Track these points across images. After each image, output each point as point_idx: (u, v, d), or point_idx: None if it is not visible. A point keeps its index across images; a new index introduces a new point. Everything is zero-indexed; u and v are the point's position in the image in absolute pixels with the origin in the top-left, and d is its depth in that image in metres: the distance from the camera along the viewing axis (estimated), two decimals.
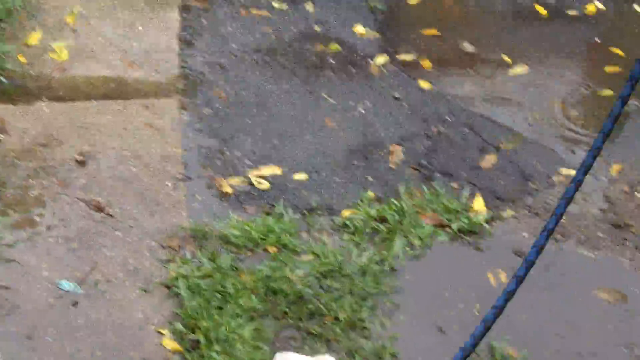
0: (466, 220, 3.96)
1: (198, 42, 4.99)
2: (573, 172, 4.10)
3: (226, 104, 4.55)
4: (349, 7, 5.34)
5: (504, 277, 3.73)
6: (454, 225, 3.95)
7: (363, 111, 4.59)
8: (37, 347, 3.29)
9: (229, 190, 4.04)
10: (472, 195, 4.10)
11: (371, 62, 4.95)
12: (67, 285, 3.52)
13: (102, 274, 3.59)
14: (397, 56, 5.02)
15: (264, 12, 5.26)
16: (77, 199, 3.91)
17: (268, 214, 3.95)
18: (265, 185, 4.10)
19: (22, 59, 4.67)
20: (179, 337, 3.36)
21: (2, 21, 4.88)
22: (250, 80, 4.73)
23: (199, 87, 4.67)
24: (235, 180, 4.09)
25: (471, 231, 3.94)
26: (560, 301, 3.69)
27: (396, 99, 4.68)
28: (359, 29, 5.19)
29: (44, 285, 3.52)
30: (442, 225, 3.96)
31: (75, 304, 3.47)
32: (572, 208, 4.07)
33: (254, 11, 5.27)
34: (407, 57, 5.02)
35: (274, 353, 2.70)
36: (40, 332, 3.35)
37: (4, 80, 4.50)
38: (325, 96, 4.67)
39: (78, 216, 3.83)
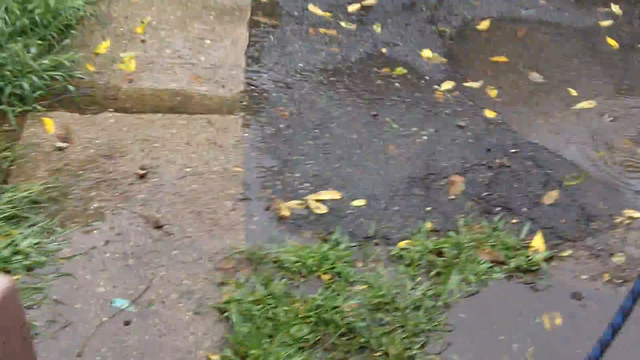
0: (524, 258, 3.91)
1: (265, 59, 5.00)
2: (638, 214, 4.05)
3: (289, 124, 4.55)
4: (416, 30, 5.31)
5: (559, 321, 3.66)
6: (512, 263, 3.89)
7: (426, 138, 4.56)
8: None
9: (286, 213, 4.04)
10: (531, 232, 4.04)
11: (437, 87, 4.91)
12: (120, 303, 3.55)
13: (157, 294, 3.61)
14: (463, 83, 4.97)
15: (332, 32, 5.26)
16: (137, 214, 3.94)
17: (324, 240, 3.94)
18: (323, 209, 4.09)
19: (90, 68, 4.72)
20: None
21: (73, 28, 4.94)
22: (315, 100, 4.73)
23: (263, 105, 4.67)
24: (294, 204, 4.09)
25: (529, 270, 3.88)
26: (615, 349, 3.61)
27: (460, 127, 4.64)
28: (427, 53, 5.15)
29: (98, 302, 3.55)
30: (499, 262, 3.91)
31: (127, 323, 3.49)
32: (633, 251, 4.00)
33: (322, 30, 5.26)
34: (473, 84, 4.98)
35: None
36: (91, 351, 3.37)
37: (72, 88, 4.55)
38: (389, 121, 4.64)
39: (136, 232, 3.86)
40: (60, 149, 4.23)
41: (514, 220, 4.13)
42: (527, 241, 4.01)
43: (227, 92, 4.71)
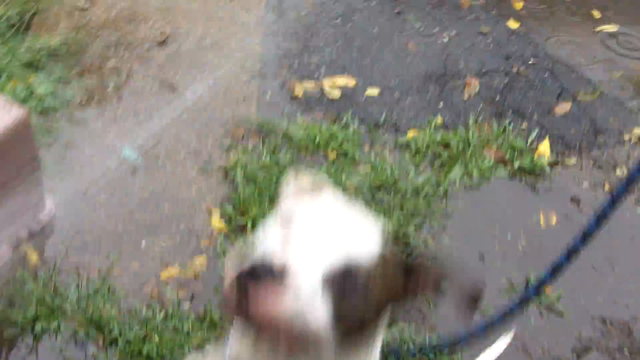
0: (529, 161, 3.95)
1: None
2: None
3: (312, 11, 4.58)
4: None
5: (554, 220, 3.72)
6: (516, 164, 3.94)
7: (446, 40, 4.58)
8: (91, 202, 3.41)
9: (300, 93, 4.09)
10: (539, 138, 4.08)
11: None
12: (129, 153, 3.62)
13: (165, 150, 3.69)
14: None
15: None
16: (152, 76, 4.00)
17: (334, 121, 3.99)
18: (336, 94, 4.13)
19: None
20: (227, 218, 3.44)
21: None
22: None
23: None
24: (308, 85, 4.13)
25: (532, 172, 3.93)
26: (610, 255, 3.67)
27: (482, 33, 4.66)
28: None
29: (107, 150, 3.63)
30: (503, 162, 3.95)
31: (134, 172, 3.57)
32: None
33: None
34: None
35: None
36: (96, 192, 3.46)
37: None
38: (412, 19, 4.66)
39: (150, 92, 3.93)
40: (82, 8, 4.28)
41: (524, 126, 4.16)
42: (534, 145, 4.05)
43: None
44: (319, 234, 1.49)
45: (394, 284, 1.61)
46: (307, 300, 1.40)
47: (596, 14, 4.96)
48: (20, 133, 2.89)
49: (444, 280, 1.63)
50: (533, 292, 2.57)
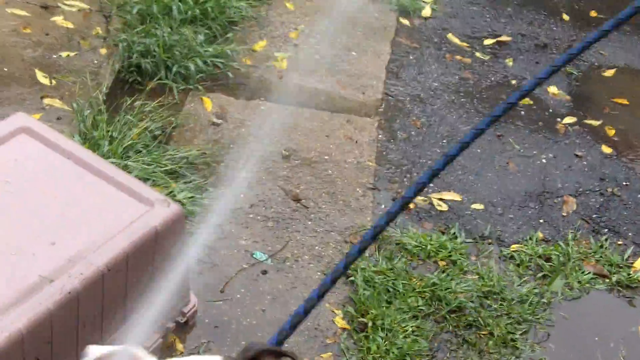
0: (626, 275, 4.23)
1: (403, 74, 5.44)
2: None
3: (420, 132, 4.98)
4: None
5: None
6: (614, 277, 4.22)
7: (544, 161, 4.92)
8: (228, 299, 3.77)
9: (411, 206, 4.45)
10: (635, 255, 4.37)
11: (559, 120, 5.28)
12: (260, 255, 4.00)
13: (291, 253, 4.06)
14: (584, 120, 5.32)
15: (467, 60, 5.68)
16: (278, 186, 4.40)
17: (443, 232, 4.33)
18: (444, 207, 4.49)
19: (247, 61, 5.24)
20: (349, 318, 3.77)
21: (235, 25, 5.48)
22: (445, 115, 5.15)
23: (397, 113, 5.11)
24: (418, 199, 4.49)
25: (629, 286, 4.20)
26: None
27: (577, 156, 4.99)
28: (553, 89, 5.52)
29: (240, 252, 4.01)
30: (602, 275, 4.24)
31: (264, 272, 3.93)
32: None
33: (458, 57, 5.70)
34: (594, 122, 5.32)
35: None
36: (231, 289, 3.83)
37: (230, 75, 5.07)
38: (512, 142, 5.03)
39: (277, 201, 4.32)
40: (215, 124, 4.73)
41: (620, 242, 4.45)
42: (630, 261, 4.33)
43: (366, 98, 5.17)
44: None
45: None
46: None
47: None
48: (176, 227, 3.27)
49: None
50: None
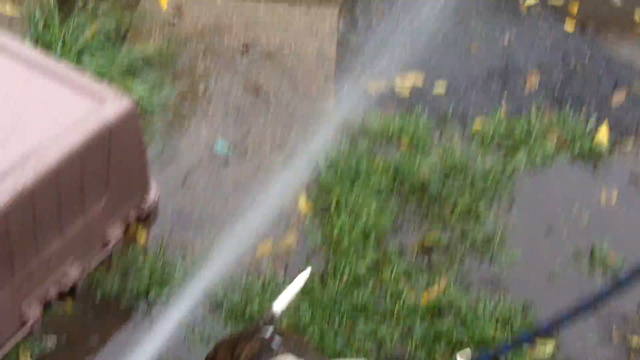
0: (588, 145, 4.24)
1: None
2: None
3: (380, 18, 4.93)
4: None
5: (615, 199, 3.99)
6: (577, 148, 4.23)
7: (507, 42, 4.89)
8: (189, 191, 3.77)
9: (373, 90, 4.43)
10: (597, 124, 4.37)
11: (521, 3, 5.22)
12: (221, 146, 3.99)
13: (253, 143, 4.05)
14: (547, 2, 5.27)
15: None
16: (238, 79, 4.37)
17: (405, 114, 4.32)
18: (406, 91, 4.47)
19: None
20: (313, 200, 3.78)
21: None
22: (409, 2, 5.08)
23: (358, 1, 5.05)
24: (380, 84, 4.47)
25: (591, 156, 4.22)
26: None
27: (539, 35, 4.96)
28: None
29: (201, 144, 4.00)
30: (565, 146, 4.25)
31: (226, 163, 3.93)
32: None
33: None
34: (556, 2, 5.27)
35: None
36: (193, 180, 3.83)
37: None
38: (474, 24, 4.99)
39: (237, 93, 4.29)
40: (171, 22, 4.68)
41: (582, 114, 4.45)
42: (592, 131, 4.33)
43: None
44: None
45: None
46: None
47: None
48: (131, 120, 3.26)
49: None
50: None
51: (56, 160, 2.92)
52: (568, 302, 3.40)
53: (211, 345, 2.91)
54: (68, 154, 2.97)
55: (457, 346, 3.13)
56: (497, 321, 3.27)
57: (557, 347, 3.20)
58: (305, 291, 3.29)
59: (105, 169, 3.23)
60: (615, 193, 4.04)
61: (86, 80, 3.23)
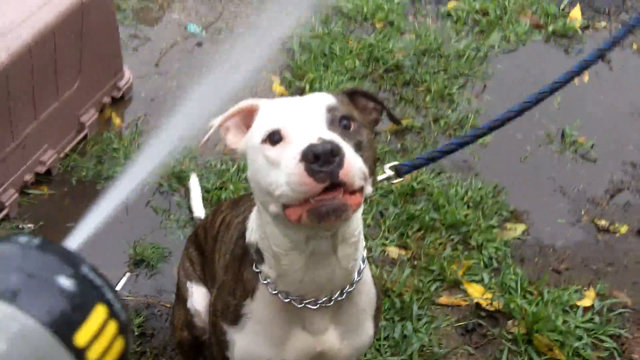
0: (562, 25, 4.24)
1: None
2: None
3: None
4: None
5: (587, 78, 4.02)
6: (550, 27, 4.23)
7: None
8: (163, 73, 3.76)
9: None
10: (571, 4, 4.36)
11: None
12: (194, 28, 3.96)
13: (226, 24, 4.02)
14: None
15: None
16: None
17: None
18: None
19: None
20: (287, 83, 3.78)
21: None
22: None
23: None
24: None
25: (565, 35, 4.22)
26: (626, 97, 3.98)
27: None
28: None
29: (173, 26, 3.97)
30: (538, 26, 4.25)
31: (199, 44, 3.91)
32: None
33: None
34: None
35: None
36: (166, 61, 3.81)
37: None
38: None
39: None
40: None
41: None
42: (566, 11, 4.33)
43: None
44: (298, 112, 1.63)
45: (360, 107, 1.79)
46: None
47: None
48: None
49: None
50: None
51: (29, 37, 2.91)
52: (538, 183, 3.49)
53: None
54: (41, 31, 2.96)
55: (429, 229, 3.20)
56: (468, 204, 3.32)
57: (527, 230, 3.27)
58: None
59: (79, 49, 3.21)
60: (587, 73, 4.05)
61: None
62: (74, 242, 0.98)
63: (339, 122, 1.59)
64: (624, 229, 3.34)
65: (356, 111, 1.73)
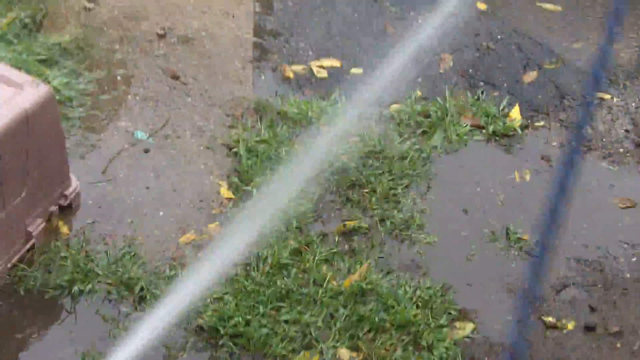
0: (502, 125, 4.36)
1: None
2: (607, 96, 4.49)
3: (297, 2, 4.96)
4: None
5: (528, 176, 4.12)
6: (491, 128, 4.34)
7: (420, 22, 4.97)
8: (111, 179, 3.78)
9: (291, 75, 4.47)
10: (510, 105, 4.49)
11: None
12: (141, 134, 4.00)
13: (172, 130, 4.06)
14: None
15: None
16: (156, 65, 4.37)
17: (323, 99, 4.38)
18: (323, 74, 4.52)
19: None
20: (234, 188, 3.82)
21: None
22: None
23: None
24: (298, 68, 4.52)
25: (505, 135, 4.34)
26: (578, 204, 4.07)
27: (453, 14, 5.04)
28: None
29: (120, 133, 4.00)
30: (479, 127, 4.36)
31: (146, 151, 3.94)
32: (600, 126, 4.45)
33: None
34: None
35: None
36: (114, 169, 3.83)
37: None
38: (389, 5, 5.05)
39: (155, 80, 4.29)
40: (87, 8, 4.63)
41: (496, 94, 4.56)
42: (505, 111, 4.45)
43: None
44: None
45: None
46: None
47: None
48: (49, 107, 3.26)
49: None
50: None
51: None
52: (485, 281, 3.55)
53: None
54: None
55: (380, 330, 3.22)
56: (417, 304, 3.36)
57: (477, 328, 3.31)
58: (229, 281, 3.34)
59: (24, 159, 3.22)
60: (528, 171, 4.16)
61: (2, 67, 3.22)
62: None
63: None
64: (571, 325, 3.39)
65: None
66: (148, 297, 3.33)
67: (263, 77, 4.44)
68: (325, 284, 3.41)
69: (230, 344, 3.14)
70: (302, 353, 3.15)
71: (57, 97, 3.99)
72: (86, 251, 3.45)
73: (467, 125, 4.33)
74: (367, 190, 3.91)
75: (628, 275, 3.65)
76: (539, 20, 5.12)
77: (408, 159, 4.09)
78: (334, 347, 3.13)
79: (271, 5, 4.92)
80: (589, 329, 3.47)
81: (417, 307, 3.35)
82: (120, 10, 4.66)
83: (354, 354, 3.11)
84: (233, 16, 4.77)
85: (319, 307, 3.32)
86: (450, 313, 3.35)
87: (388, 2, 5.08)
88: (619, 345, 3.36)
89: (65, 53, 4.30)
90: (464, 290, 3.46)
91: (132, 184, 3.79)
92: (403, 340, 3.18)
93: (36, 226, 3.40)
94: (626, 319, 3.46)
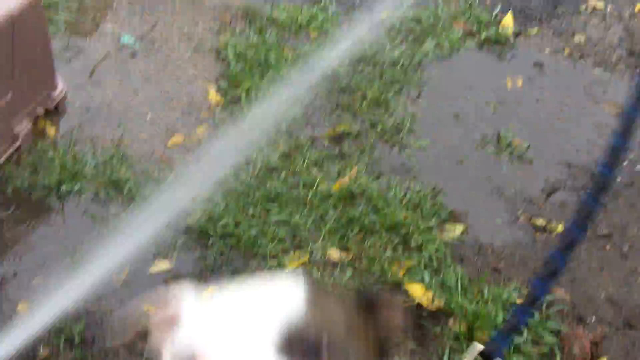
0: (494, 32, 4.30)
1: None
2: (600, 4, 4.43)
3: None
4: None
5: (520, 83, 4.08)
6: (483, 35, 4.29)
7: None
8: (97, 83, 3.73)
9: None
10: (503, 12, 4.42)
11: None
12: (128, 39, 3.93)
13: (160, 34, 4.00)
14: None
15: None
16: None
17: (314, 4, 4.31)
18: None
19: None
20: (223, 92, 3.77)
21: None
22: None
23: None
24: None
25: (497, 42, 4.28)
26: (570, 109, 4.04)
27: None
28: None
29: (107, 38, 3.93)
30: (471, 33, 4.30)
31: (133, 55, 3.88)
32: (593, 33, 4.40)
33: None
34: None
35: None
36: (100, 72, 3.78)
37: None
38: None
39: None
40: None
41: (488, 1, 4.50)
42: (498, 18, 4.39)
43: None
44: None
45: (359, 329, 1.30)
46: None
47: None
48: (34, 10, 3.19)
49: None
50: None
51: None
52: (476, 185, 3.52)
53: None
54: None
55: (369, 231, 3.20)
56: (407, 207, 3.34)
57: (466, 230, 3.30)
58: (218, 183, 3.31)
59: (10, 61, 3.17)
60: (520, 78, 4.12)
61: None
62: None
63: (304, 349, 1.16)
64: (560, 227, 3.38)
65: (358, 325, 1.29)
66: (137, 198, 3.30)
67: None
68: (315, 187, 3.38)
69: (220, 242, 3.12)
70: (292, 252, 3.13)
71: (43, 1, 3.92)
72: (74, 153, 3.41)
73: (459, 31, 4.28)
74: (357, 96, 3.86)
75: (618, 180, 3.63)
76: None
77: (399, 65, 4.04)
78: (324, 247, 3.11)
79: None
80: None
81: (407, 209, 3.33)
82: None
83: (344, 254, 3.10)
84: None
85: (308, 209, 3.29)
86: (440, 215, 3.33)
87: None
88: (608, 247, 3.35)
89: None
90: (454, 193, 3.44)
91: (119, 87, 3.73)
92: (393, 241, 3.17)
93: (22, 127, 3.36)
94: (616, 222, 3.45)
